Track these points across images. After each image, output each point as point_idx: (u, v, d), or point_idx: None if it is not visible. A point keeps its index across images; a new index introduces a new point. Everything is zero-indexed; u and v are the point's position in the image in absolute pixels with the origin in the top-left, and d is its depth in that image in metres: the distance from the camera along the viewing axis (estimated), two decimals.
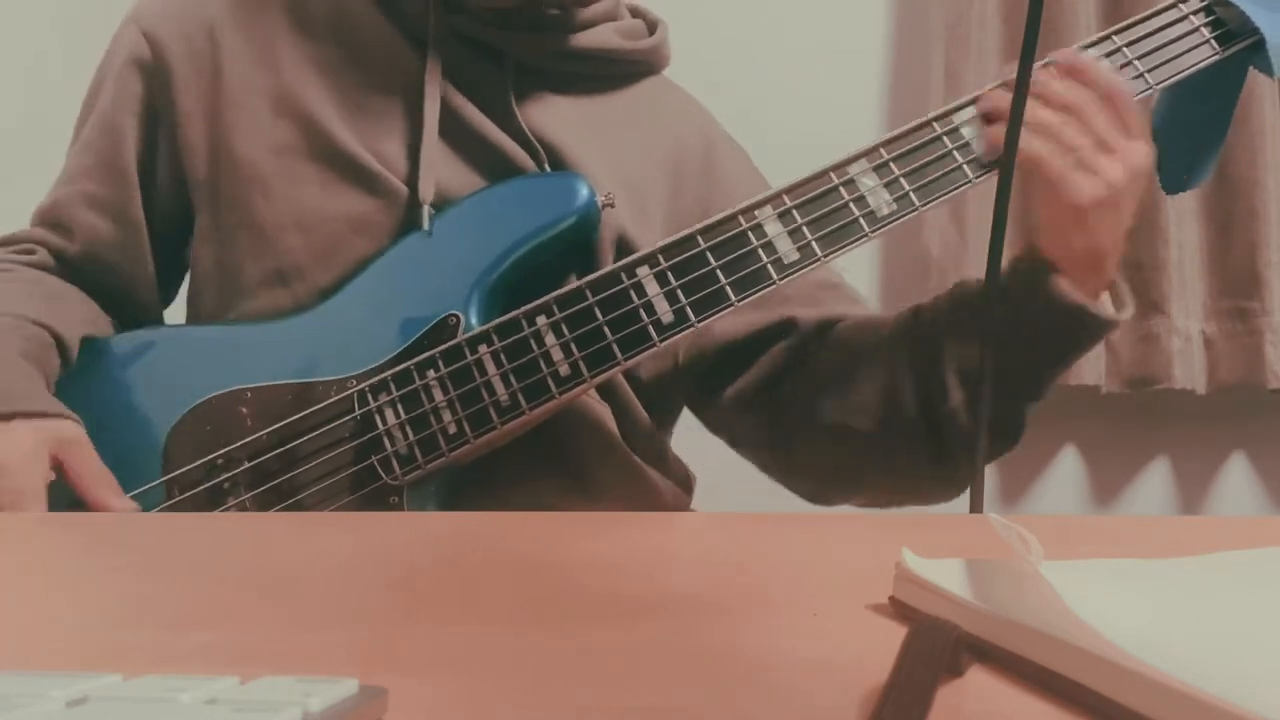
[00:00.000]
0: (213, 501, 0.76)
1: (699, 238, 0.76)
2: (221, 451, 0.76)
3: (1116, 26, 0.79)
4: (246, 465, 0.76)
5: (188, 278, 0.90)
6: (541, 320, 0.76)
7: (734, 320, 0.86)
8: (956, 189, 0.76)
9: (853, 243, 0.75)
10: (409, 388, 0.76)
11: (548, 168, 0.84)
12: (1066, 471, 1.56)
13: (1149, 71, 0.77)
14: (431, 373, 0.75)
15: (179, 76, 0.85)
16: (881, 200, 0.76)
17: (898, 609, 0.34)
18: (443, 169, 0.82)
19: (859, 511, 0.92)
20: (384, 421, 0.75)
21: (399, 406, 0.75)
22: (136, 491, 0.75)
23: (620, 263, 0.76)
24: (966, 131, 0.77)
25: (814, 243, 0.75)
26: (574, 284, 0.76)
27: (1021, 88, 0.61)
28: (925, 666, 0.25)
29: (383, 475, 0.75)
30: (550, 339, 0.75)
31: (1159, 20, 0.79)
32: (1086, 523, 0.76)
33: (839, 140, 0.84)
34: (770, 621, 0.34)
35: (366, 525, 0.55)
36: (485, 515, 0.59)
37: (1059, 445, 1.56)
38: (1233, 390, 1.47)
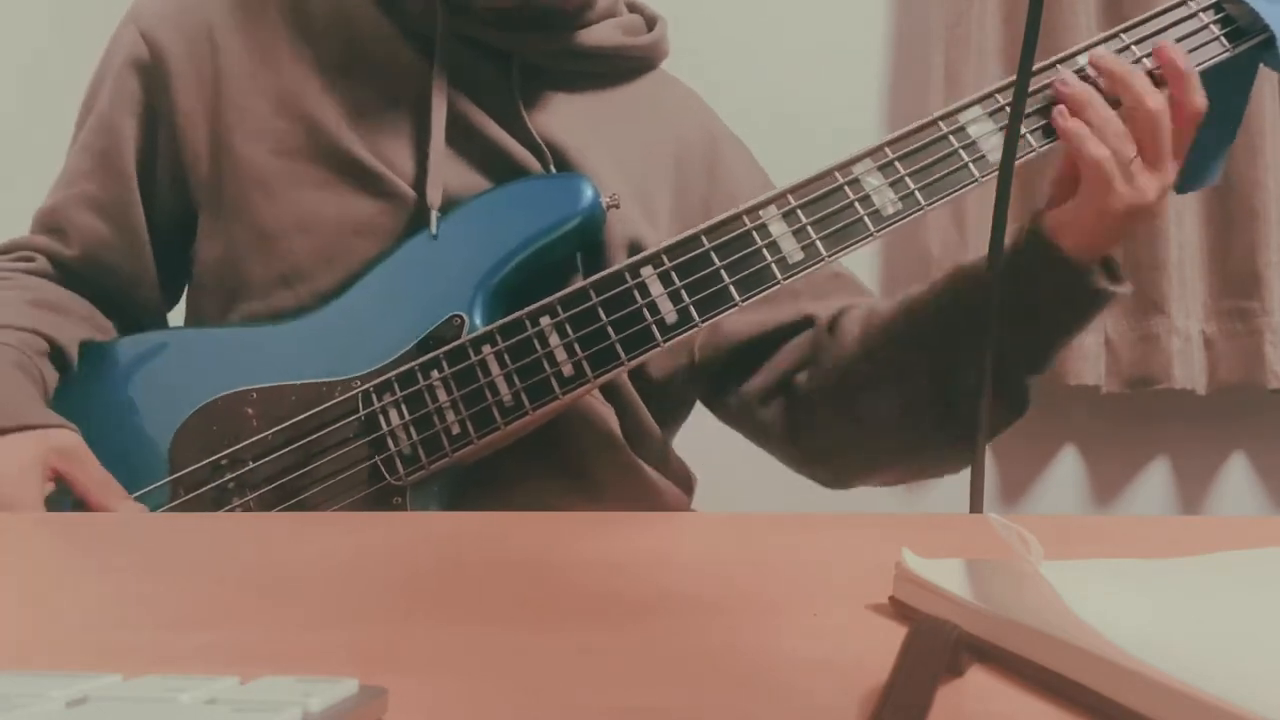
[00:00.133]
0: (218, 501, 0.76)
1: (703, 237, 0.76)
2: (226, 452, 0.76)
3: (1125, 24, 0.78)
4: (251, 465, 0.76)
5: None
6: (545, 321, 0.76)
7: (749, 318, 0.87)
8: (962, 188, 0.76)
9: (857, 242, 0.75)
10: (413, 388, 0.76)
11: (554, 169, 0.84)
12: (1066, 471, 1.56)
13: (1158, 69, 0.77)
14: (435, 373, 0.76)
15: (178, 77, 0.85)
16: (887, 199, 0.75)
17: (898, 609, 0.34)
18: (449, 172, 0.82)
19: (859, 511, 0.92)
20: (388, 422, 0.75)
21: (403, 407, 0.75)
22: (141, 492, 0.75)
23: (624, 263, 0.76)
24: (972, 131, 0.76)
25: (818, 242, 0.75)
26: (578, 284, 0.76)
27: (1022, 88, 0.60)
28: (925, 666, 0.25)
29: (386, 475, 0.75)
30: (554, 339, 0.75)
31: (1168, 18, 0.78)
32: (1086, 523, 0.76)
33: (839, 140, 0.84)
34: (770, 621, 0.34)
35: (367, 525, 0.55)
36: (485, 515, 0.59)
37: (1059, 445, 1.56)
38: (1233, 390, 1.47)
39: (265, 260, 0.82)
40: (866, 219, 0.75)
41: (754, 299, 0.75)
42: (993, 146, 0.76)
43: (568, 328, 0.75)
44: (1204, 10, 0.78)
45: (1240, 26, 0.78)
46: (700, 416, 0.97)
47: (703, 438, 0.98)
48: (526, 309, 0.76)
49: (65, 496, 0.71)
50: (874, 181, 0.76)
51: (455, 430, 0.75)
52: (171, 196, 0.87)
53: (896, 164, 0.76)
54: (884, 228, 0.75)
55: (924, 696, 0.23)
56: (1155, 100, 0.73)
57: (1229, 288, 1.48)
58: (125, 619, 0.35)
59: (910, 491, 1.51)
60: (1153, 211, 0.76)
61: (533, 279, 0.79)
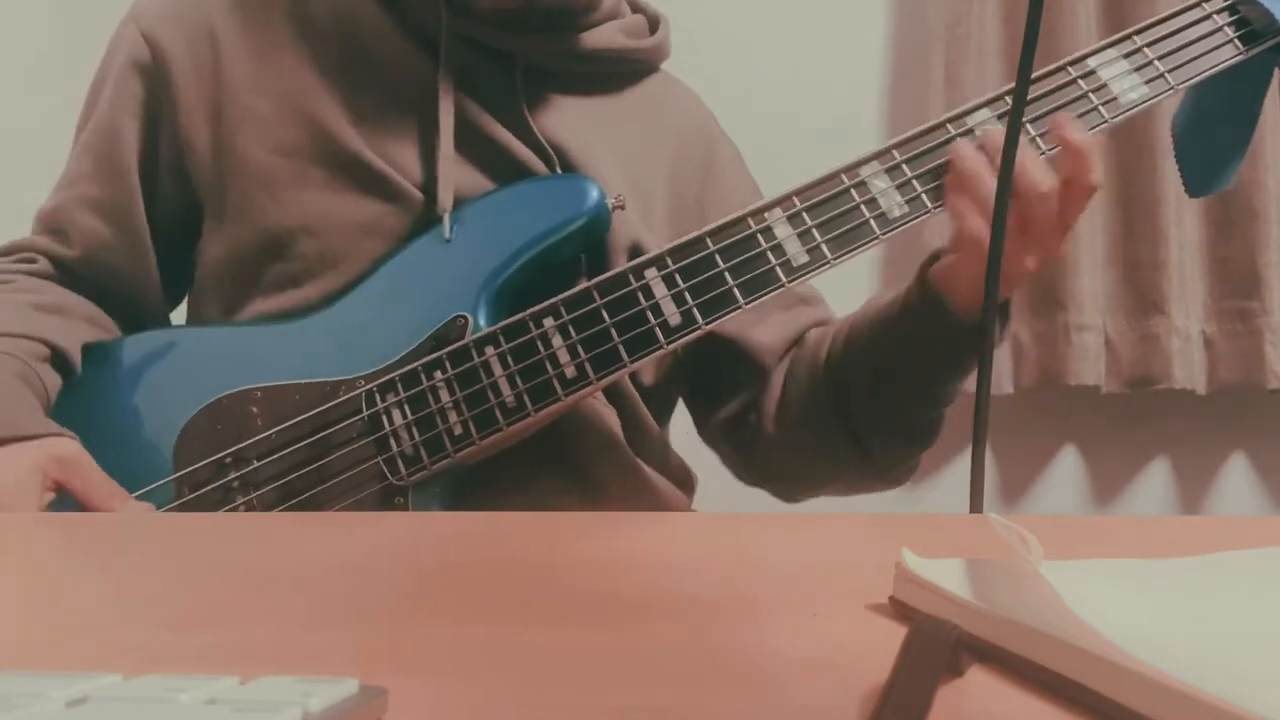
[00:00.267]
0: (221, 500, 0.76)
1: (708, 240, 0.76)
2: (230, 450, 0.76)
3: (1138, 26, 0.78)
4: (255, 464, 0.76)
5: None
6: (549, 322, 0.76)
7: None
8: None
9: (863, 245, 0.75)
10: (416, 388, 0.76)
11: (559, 171, 0.84)
12: (1066, 471, 1.56)
13: (1170, 72, 0.76)
14: (439, 374, 0.76)
15: (180, 76, 0.85)
16: (893, 202, 0.75)
17: (898, 609, 0.34)
18: (455, 174, 0.82)
19: (859, 511, 0.93)
20: (391, 422, 0.76)
21: (406, 407, 0.76)
22: (145, 490, 0.75)
23: (628, 264, 0.76)
24: (981, 133, 0.76)
25: (824, 245, 0.75)
26: (582, 286, 0.76)
27: (1021, 88, 0.60)
28: (925, 666, 0.25)
29: (388, 475, 0.75)
30: (557, 341, 0.75)
31: (1181, 20, 0.77)
32: (1086, 523, 0.76)
33: (839, 141, 0.84)
34: (770, 621, 0.34)
35: (368, 525, 0.55)
36: (486, 515, 0.59)
37: (1059, 445, 1.56)
38: (1233, 390, 1.47)
39: (272, 260, 0.82)
40: (872, 222, 0.75)
41: (758, 301, 0.75)
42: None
43: (571, 329, 0.75)
44: (1218, 12, 0.77)
45: (1255, 29, 0.77)
46: None
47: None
48: (530, 310, 0.76)
49: (67, 503, 0.71)
50: (881, 184, 0.76)
51: (458, 431, 0.75)
52: (174, 197, 0.87)
53: (904, 166, 0.76)
54: (890, 230, 0.75)
55: (924, 696, 0.23)
56: (1048, 184, 0.71)
57: (1229, 288, 1.48)
58: (125, 619, 0.35)
59: (910, 491, 1.51)
60: (1033, 274, 0.75)
61: (538, 280, 0.80)
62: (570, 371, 0.75)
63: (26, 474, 0.69)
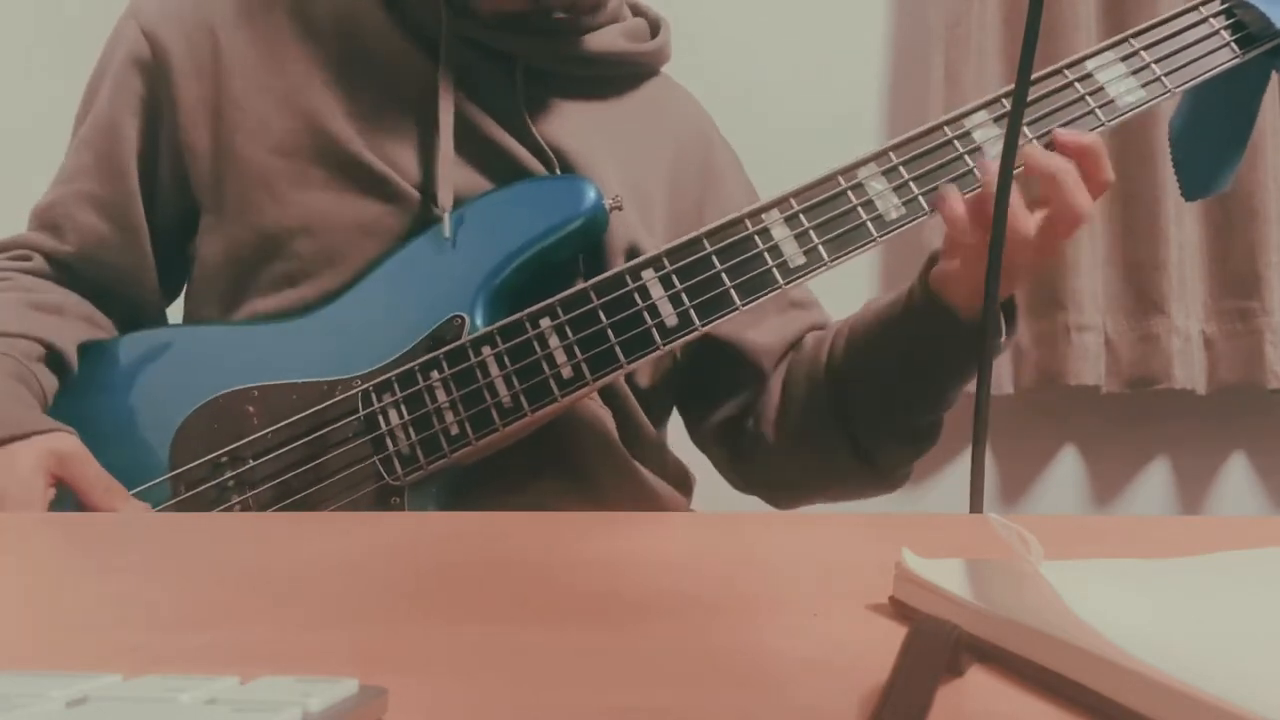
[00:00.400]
0: (217, 499, 0.76)
1: (705, 241, 0.76)
2: (226, 449, 0.76)
3: (1135, 30, 0.78)
4: (251, 464, 0.76)
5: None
6: (545, 322, 0.76)
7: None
8: (968, 193, 0.75)
9: (861, 247, 0.75)
10: (413, 389, 0.76)
11: (559, 173, 0.84)
12: (1066, 471, 1.56)
13: (1167, 75, 0.76)
14: (435, 374, 0.76)
15: (179, 74, 0.85)
16: (890, 204, 0.75)
17: (898, 609, 0.34)
18: (455, 175, 0.82)
19: (859, 512, 0.93)
20: (387, 422, 0.76)
21: (402, 407, 0.75)
22: (141, 489, 0.75)
23: (625, 265, 0.76)
24: (978, 135, 0.76)
25: (821, 247, 0.75)
26: (579, 286, 0.76)
27: (1021, 89, 0.60)
28: (925, 666, 0.25)
29: (384, 475, 0.75)
30: (554, 341, 0.75)
31: (1178, 23, 0.77)
32: (1086, 523, 0.76)
33: (839, 141, 0.84)
34: (770, 621, 0.34)
35: (366, 525, 0.55)
36: (485, 515, 0.59)
37: (1059, 445, 1.56)
38: (1233, 390, 1.47)
39: (270, 260, 0.82)
40: (870, 224, 0.75)
41: (755, 302, 0.75)
42: (998, 152, 0.75)
43: (568, 330, 0.75)
44: (1215, 16, 0.77)
45: (1251, 32, 0.77)
46: None
47: None
48: (527, 310, 0.76)
49: (67, 500, 0.71)
50: (878, 186, 0.75)
51: (454, 431, 0.75)
52: (172, 194, 0.87)
53: (901, 168, 0.76)
54: (888, 233, 0.75)
55: (924, 696, 0.23)
56: (1083, 203, 0.71)
57: (1229, 288, 1.48)
58: (125, 619, 0.35)
59: (910, 491, 1.51)
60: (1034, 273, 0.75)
61: (535, 280, 0.80)
62: (567, 372, 0.75)
63: (30, 473, 0.69)
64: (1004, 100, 0.77)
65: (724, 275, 0.75)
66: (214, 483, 0.76)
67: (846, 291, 0.97)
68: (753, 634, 0.32)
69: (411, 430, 0.75)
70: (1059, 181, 0.71)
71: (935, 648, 0.26)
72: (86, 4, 1.22)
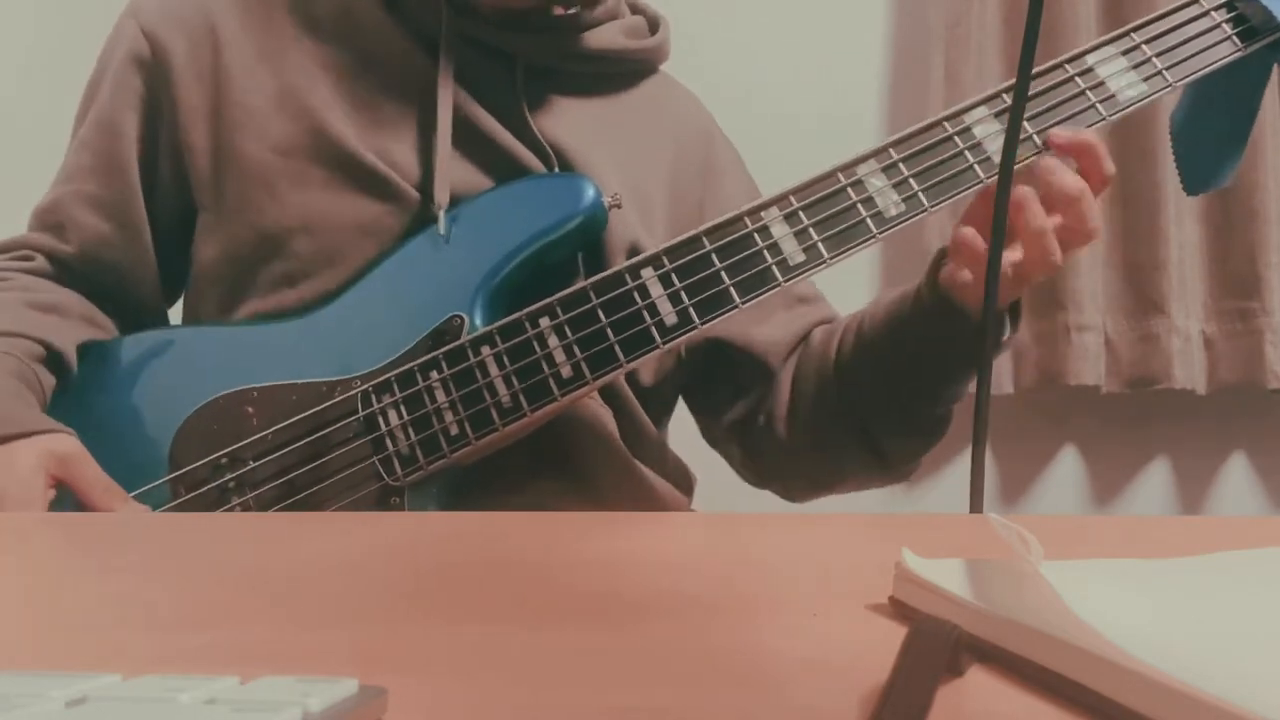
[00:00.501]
0: (218, 501, 0.76)
1: (704, 239, 0.76)
2: (226, 450, 0.76)
3: (1136, 24, 0.78)
4: (251, 465, 0.76)
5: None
6: (545, 322, 0.75)
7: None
8: (967, 189, 0.75)
9: (860, 244, 0.75)
10: (412, 389, 0.76)
11: (558, 171, 0.84)
12: (1066, 471, 1.56)
13: (1168, 69, 0.76)
14: (435, 374, 0.75)
15: (179, 73, 0.85)
16: (890, 201, 0.75)
17: (898, 609, 0.34)
18: (453, 172, 0.82)
19: (859, 512, 0.93)
20: (387, 422, 0.75)
21: (402, 407, 0.75)
22: (141, 490, 0.75)
23: (625, 264, 0.76)
24: (978, 131, 0.76)
25: (820, 244, 0.75)
26: (578, 285, 0.76)
27: (1021, 89, 0.60)
28: (925, 666, 0.25)
29: (384, 476, 0.75)
30: (553, 341, 0.75)
31: (1179, 16, 0.77)
32: (1086, 523, 0.76)
33: (839, 140, 0.84)
34: (770, 621, 0.34)
35: (366, 525, 0.55)
36: (485, 515, 0.59)
37: (1059, 445, 1.56)
38: (1233, 390, 1.47)
39: (269, 259, 0.82)
40: (869, 221, 0.75)
41: (754, 300, 0.75)
42: (998, 148, 0.75)
43: (567, 329, 0.75)
44: (1216, 9, 0.77)
45: (1253, 26, 0.77)
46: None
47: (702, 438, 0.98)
48: (526, 310, 0.76)
49: (67, 500, 0.71)
50: (877, 183, 0.75)
51: (454, 431, 0.75)
52: (173, 193, 0.87)
53: (900, 165, 0.75)
54: (887, 229, 0.75)
55: (924, 696, 0.23)
56: (1098, 222, 0.73)
57: (1229, 288, 1.48)
58: (125, 619, 0.35)
59: (910, 491, 1.51)
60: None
61: (534, 279, 0.79)
62: (566, 371, 0.75)
63: (30, 472, 0.69)
64: (1004, 96, 0.77)
65: (723, 273, 0.75)
66: (214, 484, 0.76)
67: (847, 289, 0.97)
68: (752, 634, 0.32)
69: (411, 430, 0.75)
70: (1082, 202, 0.72)
71: (935, 648, 0.26)
72: (86, 4, 1.22)
